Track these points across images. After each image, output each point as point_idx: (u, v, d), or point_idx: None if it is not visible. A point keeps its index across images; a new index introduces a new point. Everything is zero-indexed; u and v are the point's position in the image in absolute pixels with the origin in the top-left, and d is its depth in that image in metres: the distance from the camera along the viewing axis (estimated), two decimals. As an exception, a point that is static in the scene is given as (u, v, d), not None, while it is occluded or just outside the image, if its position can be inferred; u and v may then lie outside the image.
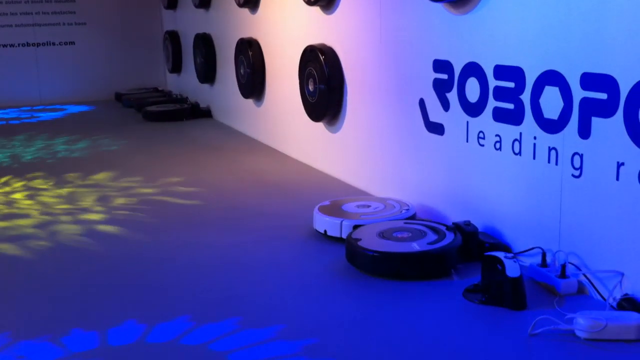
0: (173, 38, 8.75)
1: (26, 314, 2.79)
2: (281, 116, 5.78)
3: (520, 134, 3.03)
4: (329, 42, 4.79)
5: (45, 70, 9.25)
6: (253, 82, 6.15)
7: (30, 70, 9.20)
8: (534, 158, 2.97)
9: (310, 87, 4.91)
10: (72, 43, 9.37)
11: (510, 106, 3.08)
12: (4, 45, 9.09)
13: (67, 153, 6.06)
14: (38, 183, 4.97)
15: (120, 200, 4.45)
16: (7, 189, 4.85)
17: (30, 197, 4.62)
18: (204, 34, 7.56)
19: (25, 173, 5.29)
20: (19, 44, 9.15)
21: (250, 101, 6.45)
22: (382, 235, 3.17)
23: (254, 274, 3.14)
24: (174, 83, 9.28)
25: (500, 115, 3.15)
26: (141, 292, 2.98)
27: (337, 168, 4.88)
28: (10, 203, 4.47)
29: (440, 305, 2.73)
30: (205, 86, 7.79)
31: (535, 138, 2.96)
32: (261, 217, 4.01)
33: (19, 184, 4.96)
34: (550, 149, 2.88)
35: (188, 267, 3.24)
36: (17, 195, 4.65)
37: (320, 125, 5.02)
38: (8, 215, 4.20)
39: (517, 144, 3.06)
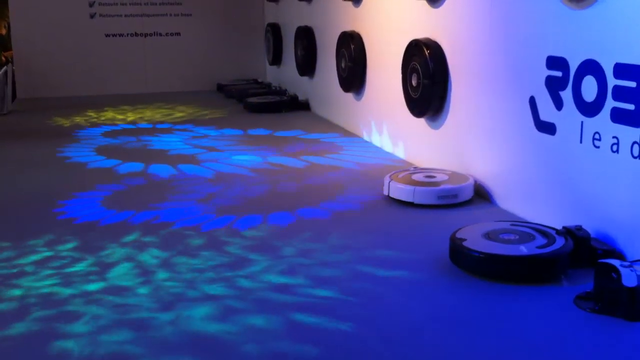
0: (274, 30, 8.85)
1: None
2: (381, 110, 5.74)
3: (641, 136, 2.88)
4: (435, 37, 4.70)
5: (152, 60, 9.56)
6: (354, 75, 6.13)
7: (138, 60, 9.52)
8: (656, 162, 2.81)
9: (414, 82, 4.84)
10: (178, 34, 9.64)
11: (631, 107, 2.93)
12: (114, 35, 9.43)
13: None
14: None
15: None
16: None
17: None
18: (306, 26, 7.61)
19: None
20: (127, 34, 9.49)
21: (350, 95, 6.44)
22: (488, 236, 3.08)
23: (361, 266, 3.13)
24: (273, 75, 9.39)
25: (619, 116, 3.00)
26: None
27: (436, 164, 4.79)
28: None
29: (550, 311, 2.63)
30: (305, 79, 7.84)
31: (657, 141, 2.80)
32: (362, 210, 4.00)
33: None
34: (674, 154, 2.72)
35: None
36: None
37: (421, 121, 4.95)
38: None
39: (636, 147, 2.91)
